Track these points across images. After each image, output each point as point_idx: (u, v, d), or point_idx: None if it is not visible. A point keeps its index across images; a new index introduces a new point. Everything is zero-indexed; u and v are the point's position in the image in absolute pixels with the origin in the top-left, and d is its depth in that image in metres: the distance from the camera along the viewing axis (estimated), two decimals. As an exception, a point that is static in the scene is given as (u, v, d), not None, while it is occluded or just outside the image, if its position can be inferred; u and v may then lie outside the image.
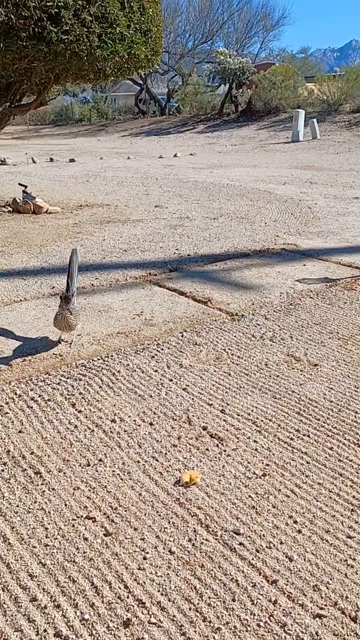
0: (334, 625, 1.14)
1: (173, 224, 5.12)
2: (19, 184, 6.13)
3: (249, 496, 1.51)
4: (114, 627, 1.13)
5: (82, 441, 1.76)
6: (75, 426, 1.84)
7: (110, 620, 1.15)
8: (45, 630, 1.13)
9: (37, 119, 30.98)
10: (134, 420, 1.88)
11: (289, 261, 3.86)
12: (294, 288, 3.27)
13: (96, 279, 3.44)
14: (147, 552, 1.32)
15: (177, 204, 6.16)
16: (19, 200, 5.70)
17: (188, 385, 2.11)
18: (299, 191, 7.13)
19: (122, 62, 4.96)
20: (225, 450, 1.71)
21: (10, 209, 5.75)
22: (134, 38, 4.84)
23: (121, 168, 10.47)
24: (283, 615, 1.16)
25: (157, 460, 1.67)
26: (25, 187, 5.88)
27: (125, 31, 4.71)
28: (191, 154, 13.84)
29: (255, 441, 1.76)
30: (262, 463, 1.65)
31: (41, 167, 10.82)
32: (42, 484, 1.55)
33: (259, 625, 1.14)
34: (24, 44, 4.30)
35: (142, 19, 4.95)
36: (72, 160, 12.06)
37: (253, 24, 35.85)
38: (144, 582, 1.24)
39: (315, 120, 16.16)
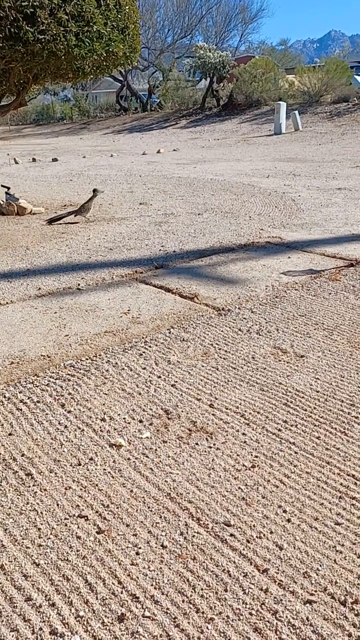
0: (324, 610, 1.17)
1: (158, 220, 5.13)
2: (2, 186, 6.10)
3: (239, 488, 1.53)
4: (108, 622, 1.15)
5: (72, 441, 1.77)
6: (65, 426, 1.85)
7: (105, 616, 1.17)
8: (41, 629, 1.14)
9: (18, 119, 30.73)
10: (124, 418, 1.89)
11: (274, 254, 3.88)
12: (279, 281, 3.30)
13: (82, 278, 3.44)
14: (140, 548, 1.34)
15: (162, 201, 6.17)
16: (2, 202, 5.67)
17: (176, 382, 2.13)
18: (283, 184, 7.16)
19: (100, 60, 4.94)
20: (214, 444, 1.74)
21: (-6, 212, 5.72)
22: (111, 36, 4.82)
23: (104, 166, 10.44)
24: (274, 603, 1.18)
25: (147, 456, 1.68)
26: (8, 188, 5.85)
27: (102, 29, 4.69)
28: (174, 150, 13.82)
29: (244, 434, 1.79)
30: (251, 455, 1.68)
31: (24, 167, 10.75)
32: (33, 485, 1.56)
33: (251, 613, 1.16)
34: (0, 45, 4.27)
35: (119, 16, 4.94)
36: (54, 160, 12.00)
37: (231, 17, 35.83)
38: (138, 577, 1.26)
39: (297, 112, 16.21)
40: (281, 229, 4.64)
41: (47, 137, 22.80)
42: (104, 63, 5.09)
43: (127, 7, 5.01)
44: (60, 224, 5.14)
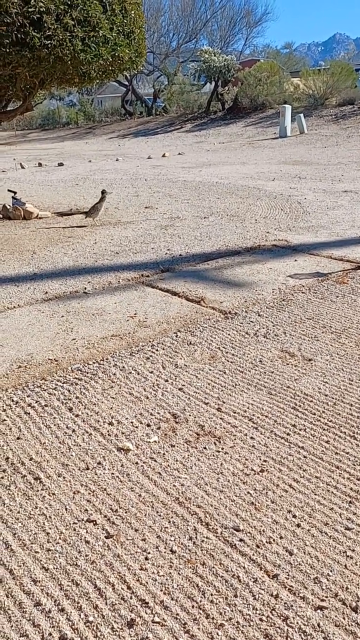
0: (335, 616, 1.15)
1: (164, 224, 5.13)
2: (8, 190, 6.12)
3: (248, 492, 1.53)
4: (118, 627, 1.15)
5: (80, 445, 1.77)
6: (73, 430, 1.85)
7: (115, 621, 1.16)
8: (50, 634, 1.14)
9: (24, 124, 30.90)
10: (131, 422, 1.89)
11: (280, 257, 3.87)
12: (286, 284, 3.29)
13: (89, 282, 3.45)
14: (149, 553, 1.33)
15: (167, 204, 6.17)
16: (8, 207, 5.69)
17: (184, 385, 2.13)
18: (288, 187, 7.16)
19: (106, 65, 4.96)
20: (222, 448, 1.73)
21: (1, 216, 5.75)
22: (117, 40, 4.84)
23: (110, 170, 10.47)
24: (285, 609, 1.17)
25: (155, 461, 1.68)
26: (15, 193, 5.88)
27: (108, 34, 4.71)
28: (179, 154, 13.85)
29: (252, 438, 1.78)
30: (260, 459, 1.67)
31: (30, 172, 10.80)
32: (42, 489, 1.56)
33: (261, 619, 1.15)
34: (7, 50, 4.29)
35: (125, 21, 4.96)
36: (60, 164, 12.05)
37: (236, 21, 35.89)
38: (147, 582, 1.25)
39: (302, 115, 16.20)
40: (287, 231, 4.63)
41: (53, 141, 22.90)
42: (110, 68, 5.11)
43: (132, 12, 5.03)
44: (67, 227, 5.15)
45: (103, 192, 5.19)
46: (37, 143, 22.63)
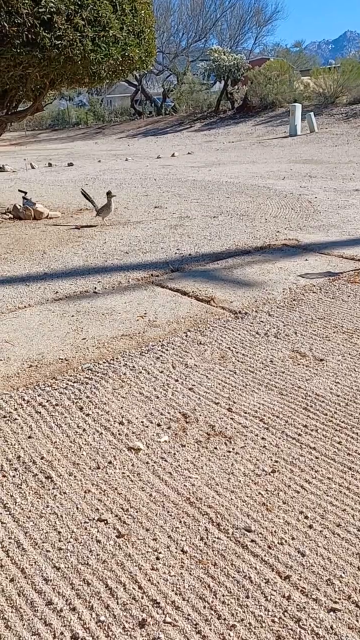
0: (349, 618, 1.14)
1: (173, 224, 5.13)
2: (19, 191, 6.15)
3: (259, 493, 1.52)
4: (129, 627, 1.15)
5: (91, 444, 1.77)
6: (84, 430, 1.85)
7: (126, 621, 1.16)
8: (62, 633, 1.14)
9: (35, 125, 31.05)
10: (142, 422, 1.89)
11: (290, 256, 3.85)
12: (296, 283, 3.27)
13: (99, 282, 3.45)
14: (160, 552, 1.33)
15: (177, 204, 6.17)
16: (19, 207, 5.72)
17: (194, 385, 2.12)
18: (299, 185, 7.12)
19: (116, 65, 4.97)
20: (233, 449, 1.72)
21: (11, 216, 5.78)
22: (127, 40, 4.85)
23: (119, 170, 10.48)
24: (297, 611, 1.17)
25: (166, 460, 1.67)
26: (25, 193, 5.90)
27: (118, 34, 4.72)
28: (189, 153, 13.84)
29: (263, 438, 1.77)
30: (271, 460, 1.66)
31: (40, 172, 10.85)
32: (53, 488, 1.57)
33: (273, 621, 1.15)
34: (18, 50, 4.31)
35: (135, 20, 4.96)
36: (70, 164, 12.09)
37: (246, 20, 35.83)
38: (158, 582, 1.25)
39: (312, 113, 16.12)
40: (298, 231, 4.61)
41: (63, 141, 22.99)
42: (120, 67, 5.12)
43: (142, 12, 5.04)
44: (78, 227, 5.17)
45: (108, 193, 5.20)
46: (47, 143, 22.73)
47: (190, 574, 1.27)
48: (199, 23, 33.12)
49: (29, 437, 1.82)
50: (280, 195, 6.45)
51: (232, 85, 23.07)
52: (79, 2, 4.41)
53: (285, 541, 1.35)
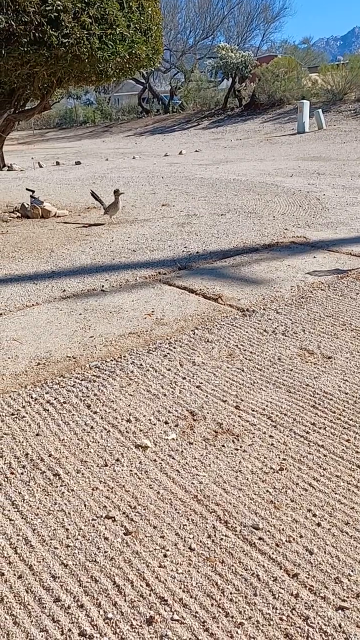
0: (357, 617, 1.14)
1: (180, 222, 5.12)
2: (27, 189, 6.17)
3: (267, 491, 1.51)
4: (137, 625, 1.15)
5: (98, 442, 1.77)
6: (92, 427, 1.85)
7: (134, 618, 1.16)
8: (69, 630, 1.14)
9: (42, 123, 31.14)
10: (149, 420, 1.89)
11: (298, 254, 3.84)
12: (304, 281, 3.26)
13: (106, 280, 3.46)
14: (168, 550, 1.33)
15: (184, 202, 6.16)
16: (27, 206, 5.74)
17: (202, 383, 2.12)
18: (307, 183, 7.09)
19: (123, 63, 4.97)
20: (241, 446, 1.72)
21: (19, 215, 5.80)
22: (134, 38, 4.84)
23: (127, 168, 10.49)
24: (305, 609, 1.16)
25: (173, 458, 1.67)
26: (33, 192, 5.92)
27: (125, 31, 4.71)
28: (196, 151, 13.81)
29: (271, 436, 1.76)
30: (279, 458, 1.65)
31: (48, 171, 10.88)
32: (61, 486, 1.57)
33: (281, 619, 1.14)
34: (25, 49, 4.32)
35: (142, 18, 4.95)
36: (78, 163, 12.11)
37: (254, 17, 35.69)
38: (166, 580, 1.25)
39: (320, 110, 16.04)
40: (306, 228, 4.59)
41: (70, 140, 23.03)
42: (127, 65, 5.11)
43: (149, 9, 5.03)
44: (85, 225, 5.18)
45: (116, 191, 5.20)
46: (55, 142, 22.79)
47: (198, 571, 1.27)
48: (206, 20, 33.03)
49: (37, 435, 1.83)
50: (288, 192, 6.42)
51: (239, 83, 22.99)
52: (86, 0, 4.41)
53: (293, 539, 1.34)
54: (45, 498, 1.52)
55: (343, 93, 18.58)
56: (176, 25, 32.64)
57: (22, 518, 1.45)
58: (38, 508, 1.49)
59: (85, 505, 1.49)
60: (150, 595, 1.21)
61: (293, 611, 1.16)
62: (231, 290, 3.15)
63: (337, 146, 12.30)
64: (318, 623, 1.13)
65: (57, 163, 12.34)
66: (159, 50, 5.45)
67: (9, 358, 2.40)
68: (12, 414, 1.95)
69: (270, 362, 2.26)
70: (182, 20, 33.53)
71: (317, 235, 4.33)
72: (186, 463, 1.65)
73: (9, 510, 1.48)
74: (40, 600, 1.21)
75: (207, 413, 1.91)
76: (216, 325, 2.66)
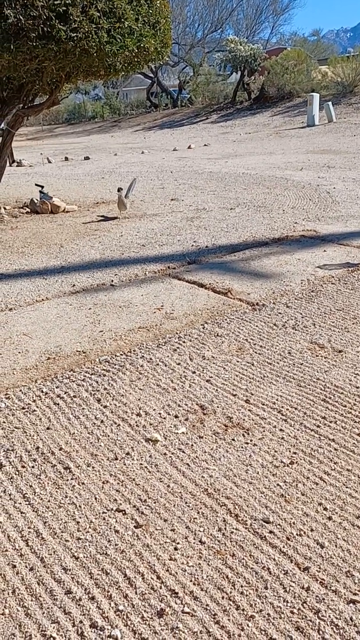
0: (369, 611, 1.13)
1: (190, 216, 5.10)
2: (36, 185, 6.18)
3: (277, 485, 1.51)
4: (148, 617, 1.15)
5: (109, 435, 1.77)
6: (102, 421, 1.86)
7: (145, 611, 1.16)
8: (81, 622, 1.15)
9: (51, 119, 31.14)
10: (159, 414, 1.89)
11: (308, 248, 3.81)
12: (315, 275, 3.23)
13: (115, 274, 3.46)
14: (178, 543, 1.33)
15: (193, 196, 6.14)
16: (36, 201, 5.75)
17: (211, 377, 2.12)
18: (317, 176, 7.03)
19: (131, 57, 4.94)
20: (251, 440, 1.71)
21: (29, 210, 5.81)
22: (142, 31, 4.81)
23: (136, 163, 10.47)
24: (316, 602, 1.16)
25: (183, 452, 1.67)
26: (42, 187, 5.93)
27: (133, 25, 4.69)
28: (205, 145, 13.75)
29: (281, 430, 1.76)
30: (289, 451, 1.65)
31: (57, 166, 10.89)
32: (71, 479, 1.58)
33: (292, 612, 1.14)
34: (34, 44, 4.31)
35: (150, 11, 4.92)
36: (86, 158, 12.10)
37: (262, 9, 35.34)
38: (176, 573, 1.25)
39: (330, 103, 15.88)
40: (316, 222, 4.55)
41: (79, 135, 23.03)
42: (135, 59, 5.08)
43: (158, 2, 4.99)
44: (93, 221, 5.18)
45: (119, 189, 5.18)
46: (64, 137, 22.80)
47: (208, 564, 1.27)
48: (215, 13, 32.77)
49: (48, 429, 1.83)
50: (298, 186, 6.38)
51: (248, 76, 22.82)
52: (94, -6, 4.39)
53: (304, 532, 1.34)
54: (56, 491, 1.53)
55: (353, 85, 18.37)
56: (184, 18, 32.44)
57: (34, 511, 1.46)
58: (49, 501, 1.50)
59: (95, 499, 1.49)
60: (161, 587, 1.22)
61: (304, 604, 1.15)
62: (241, 285, 3.14)
63: (348, 139, 12.19)
64: (329, 616, 1.12)
65: (66, 158, 12.35)
66: (168, 43, 5.41)
67: (19, 352, 2.41)
68: (23, 408, 1.96)
69: (281, 356, 2.25)
70: (191, 14, 33.31)
71: (328, 228, 4.30)
72: (196, 457, 1.65)
73: (21, 503, 1.49)
74: (51, 592, 1.22)
75: (217, 407, 1.91)
76: (226, 320, 2.65)
